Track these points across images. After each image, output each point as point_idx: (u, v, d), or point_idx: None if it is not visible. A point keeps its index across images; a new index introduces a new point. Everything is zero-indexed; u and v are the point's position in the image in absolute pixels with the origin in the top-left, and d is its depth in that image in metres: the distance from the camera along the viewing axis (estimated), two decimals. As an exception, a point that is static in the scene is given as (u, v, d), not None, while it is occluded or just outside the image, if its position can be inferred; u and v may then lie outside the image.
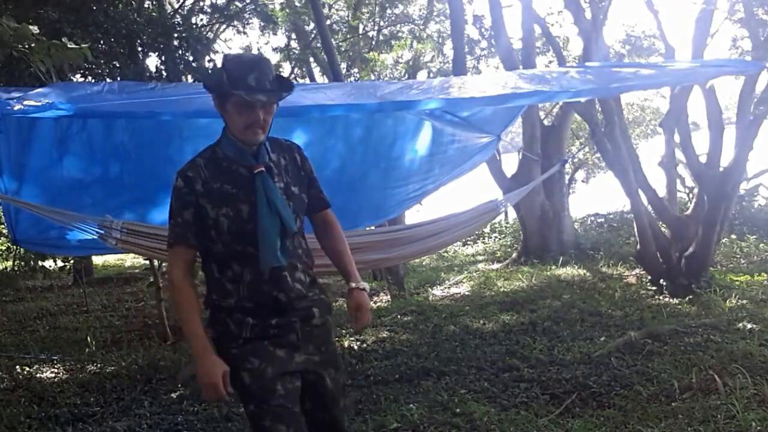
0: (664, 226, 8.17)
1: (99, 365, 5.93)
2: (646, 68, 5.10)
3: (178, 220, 2.27)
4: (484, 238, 15.89)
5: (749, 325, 5.58)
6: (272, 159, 2.32)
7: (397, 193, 6.18)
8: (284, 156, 2.39)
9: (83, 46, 5.41)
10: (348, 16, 18.35)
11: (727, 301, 6.63)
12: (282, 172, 2.35)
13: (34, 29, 4.95)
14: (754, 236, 11.12)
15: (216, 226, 2.24)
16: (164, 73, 9.67)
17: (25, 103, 3.46)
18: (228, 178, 2.27)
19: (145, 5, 11.58)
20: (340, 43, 17.90)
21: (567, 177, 14.51)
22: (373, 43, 18.56)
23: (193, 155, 2.33)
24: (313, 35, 17.42)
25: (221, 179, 2.26)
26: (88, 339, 6.85)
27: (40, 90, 3.78)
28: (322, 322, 2.39)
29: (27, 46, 4.99)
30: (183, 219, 2.26)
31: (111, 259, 16.72)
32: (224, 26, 16.82)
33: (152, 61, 11.92)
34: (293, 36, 18.52)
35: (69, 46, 5.17)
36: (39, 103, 3.40)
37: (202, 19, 15.43)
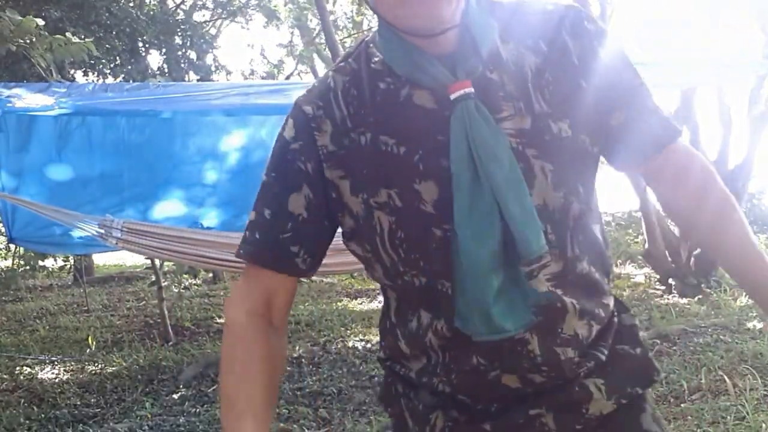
0: (673, 224, 8.10)
1: (100, 366, 5.88)
2: (656, 66, 5.03)
3: (258, 211, 1.07)
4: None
5: (759, 325, 5.51)
6: (498, 61, 1.00)
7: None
8: (529, 42, 1.01)
9: (87, 41, 5.37)
10: (352, 12, 18.30)
11: (737, 300, 6.55)
12: (527, 86, 1.00)
13: (40, 22, 4.90)
14: (765, 235, 11.05)
15: (366, 231, 1.04)
16: (167, 71, 9.64)
17: (26, 100, 3.43)
18: (392, 116, 1.01)
19: (147, 1, 11.54)
20: (344, 39, 17.85)
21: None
22: (377, 40, 18.47)
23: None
24: (316, 31, 17.39)
25: (376, 121, 1.02)
26: (89, 339, 6.80)
27: (41, 93, 3.75)
28: (615, 408, 1.06)
29: (28, 42, 4.94)
30: (272, 211, 1.05)
31: (112, 258, 16.69)
32: (227, 22, 16.79)
33: (154, 59, 11.91)
34: (296, 32, 18.49)
35: (73, 40, 5.13)
36: (39, 102, 3.36)
37: (204, 15, 15.42)
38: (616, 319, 1.14)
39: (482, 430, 1.06)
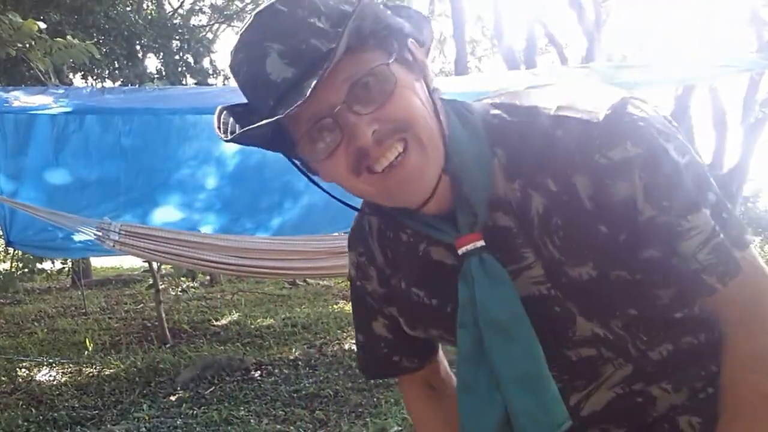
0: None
1: (97, 368, 5.88)
2: (651, 67, 5.07)
3: (357, 334, 1.15)
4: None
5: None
6: (506, 204, 0.88)
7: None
8: (537, 179, 0.86)
9: (88, 43, 5.37)
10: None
11: None
12: (533, 233, 0.87)
13: (41, 25, 4.90)
14: (760, 237, 11.07)
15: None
16: (164, 74, 9.66)
17: (23, 101, 3.45)
18: (416, 269, 0.98)
19: (144, 5, 11.56)
20: (341, 44, 17.86)
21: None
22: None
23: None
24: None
25: (405, 272, 1.01)
26: (87, 341, 6.80)
27: (39, 95, 3.77)
28: None
29: (27, 45, 4.94)
30: (364, 336, 1.13)
31: (110, 260, 16.67)
32: (224, 26, 16.81)
33: (152, 63, 11.95)
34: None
35: (74, 41, 5.12)
36: (37, 103, 3.38)
37: (201, 20, 15.44)
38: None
39: None
